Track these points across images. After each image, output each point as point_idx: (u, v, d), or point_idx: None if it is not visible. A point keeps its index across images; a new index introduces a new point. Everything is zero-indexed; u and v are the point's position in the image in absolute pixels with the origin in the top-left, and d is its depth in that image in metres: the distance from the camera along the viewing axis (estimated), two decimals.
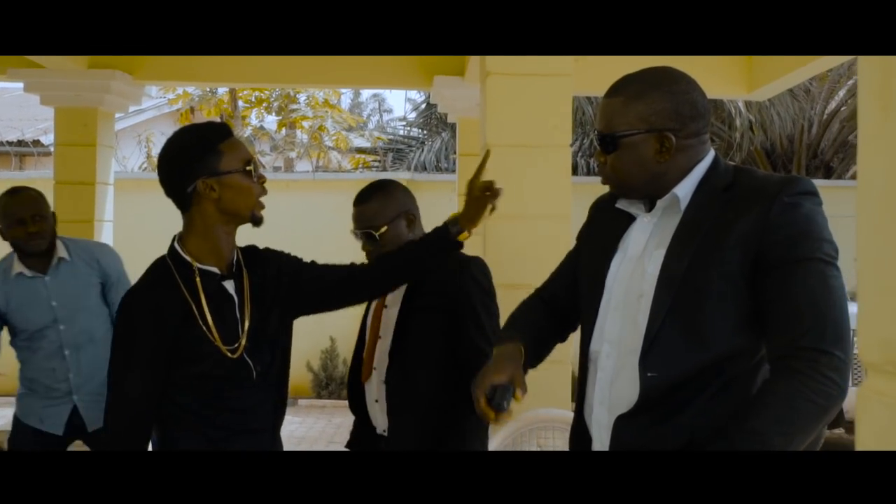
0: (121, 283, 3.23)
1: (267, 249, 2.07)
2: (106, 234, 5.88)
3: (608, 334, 1.59)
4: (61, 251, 3.17)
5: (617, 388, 1.57)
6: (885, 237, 1.34)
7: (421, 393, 2.41)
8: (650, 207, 1.63)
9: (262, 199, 1.91)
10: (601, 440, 1.59)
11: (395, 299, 2.51)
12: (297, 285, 2.04)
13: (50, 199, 5.86)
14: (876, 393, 1.36)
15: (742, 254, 1.45)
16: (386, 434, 2.45)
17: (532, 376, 3.20)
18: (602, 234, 1.72)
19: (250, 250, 2.04)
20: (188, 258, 1.88)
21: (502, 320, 3.40)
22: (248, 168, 1.85)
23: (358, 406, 2.56)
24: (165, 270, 1.88)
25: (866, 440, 1.38)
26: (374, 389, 2.47)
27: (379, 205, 2.48)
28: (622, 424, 1.54)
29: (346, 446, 2.64)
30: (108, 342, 2.99)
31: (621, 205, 1.66)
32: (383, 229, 2.45)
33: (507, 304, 3.01)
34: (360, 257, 2.70)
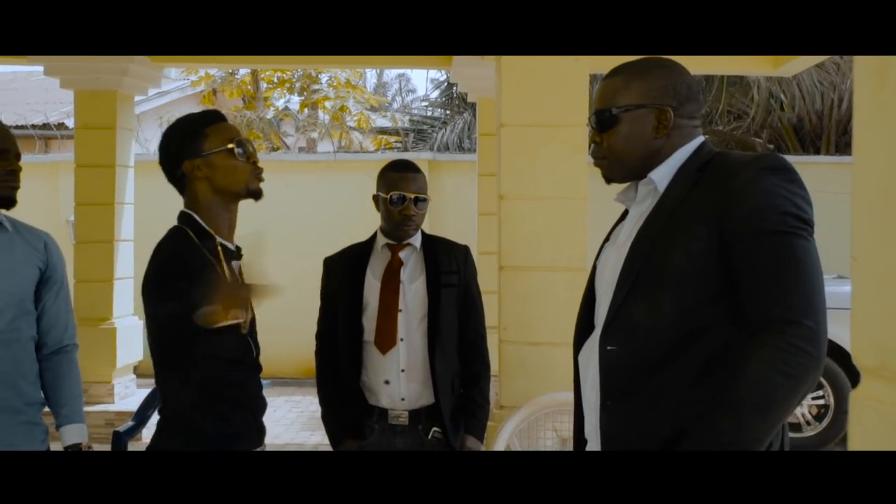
0: (64, 287, 2.44)
1: None
2: (127, 217, 5.91)
3: (598, 319, 1.64)
4: (2, 219, 2.34)
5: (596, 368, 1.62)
6: (880, 242, 1.31)
7: (452, 364, 2.60)
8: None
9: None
10: (591, 421, 1.63)
11: (411, 275, 2.60)
12: None
13: (71, 181, 5.93)
14: (869, 398, 1.34)
15: (707, 230, 1.47)
16: (403, 400, 2.54)
17: (549, 360, 3.17)
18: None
19: None
20: (210, 229, 1.92)
21: (511, 301, 3.38)
22: (230, 146, 1.92)
23: (347, 382, 2.58)
24: (190, 241, 1.89)
25: (858, 445, 1.37)
26: (402, 359, 2.55)
27: (425, 177, 2.66)
28: (607, 409, 1.56)
29: (335, 435, 2.61)
30: (23, 354, 2.27)
31: (618, 199, 1.71)
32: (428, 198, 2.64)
33: (522, 286, 2.98)
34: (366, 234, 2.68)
